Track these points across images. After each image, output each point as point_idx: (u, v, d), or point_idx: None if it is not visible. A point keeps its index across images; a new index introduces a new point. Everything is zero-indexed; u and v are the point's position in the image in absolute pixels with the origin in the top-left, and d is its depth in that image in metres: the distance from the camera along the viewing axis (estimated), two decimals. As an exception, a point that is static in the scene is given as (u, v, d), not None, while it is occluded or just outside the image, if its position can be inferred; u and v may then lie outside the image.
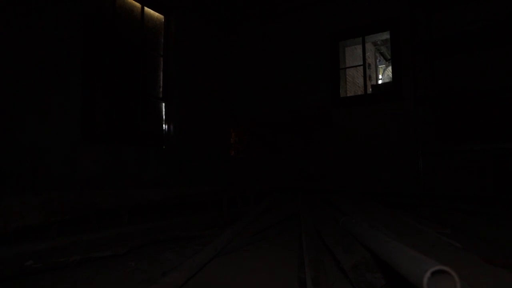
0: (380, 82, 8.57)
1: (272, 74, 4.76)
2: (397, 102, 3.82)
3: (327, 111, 4.29)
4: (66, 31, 2.83)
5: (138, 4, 3.71)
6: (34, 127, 2.59)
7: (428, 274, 0.56)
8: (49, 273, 1.30)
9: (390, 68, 7.87)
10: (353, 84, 6.28)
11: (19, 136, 2.49)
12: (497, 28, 3.00)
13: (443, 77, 3.60)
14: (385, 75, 8.85)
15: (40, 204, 1.67)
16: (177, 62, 4.06)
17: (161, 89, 4.00)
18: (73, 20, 2.90)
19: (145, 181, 3.47)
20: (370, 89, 5.82)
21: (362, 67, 4.40)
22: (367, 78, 4.56)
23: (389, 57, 8.14)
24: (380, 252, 0.90)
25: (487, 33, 3.07)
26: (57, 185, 2.71)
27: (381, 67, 8.87)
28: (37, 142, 2.60)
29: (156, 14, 3.96)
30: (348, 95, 4.75)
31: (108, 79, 3.35)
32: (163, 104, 3.99)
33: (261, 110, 4.81)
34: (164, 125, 3.98)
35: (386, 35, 4.28)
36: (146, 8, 3.80)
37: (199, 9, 4.46)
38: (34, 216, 1.62)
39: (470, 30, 3.12)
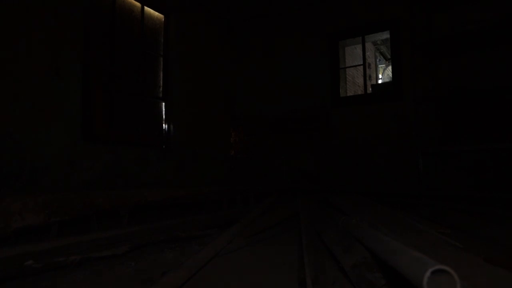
0: (380, 81, 8.56)
1: (272, 73, 4.76)
2: (397, 102, 3.82)
3: (327, 110, 4.29)
4: (65, 31, 2.83)
5: (138, 4, 3.71)
6: (34, 128, 2.58)
7: (428, 273, 0.56)
8: (49, 273, 1.30)
9: (390, 67, 7.87)
10: (353, 83, 6.28)
11: (19, 137, 2.49)
12: (497, 28, 3.00)
13: (443, 77, 3.60)
14: (385, 75, 8.85)
15: (40, 204, 1.66)
16: (177, 62, 4.05)
17: (161, 89, 3.99)
18: (73, 20, 2.90)
19: (145, 181, 3.47)
20: (370, 89, 5.82)
21: (362, 66, 4.40)
22: (367, 78, 4.56)
23: (389, 57, 8.14)
24: (380, 251, 0.90)
25: (487, 33, 3.07)
26: (58, 185, 2.70)
27: (381, 66, 8.87)
28: (37, 142, 2.59)
29: (156, 13, 3.96)
30: (348, 94, 4.75)
31: (108, 79, 3.34)
32: (163, 103, 3.99)
33: (261, 110, 4.80)
34: (164, 125, 3.98)
35: (386, 35, 4.27)
36: (146, 8, 3.80)
37: (199, 9, 4.45)
38: (35, 217, 1.62)
39: (470, 30, 3.12)
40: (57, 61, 2.76)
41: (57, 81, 2.75)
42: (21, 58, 2.53)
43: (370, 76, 7.28)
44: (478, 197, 3.01)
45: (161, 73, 4.01)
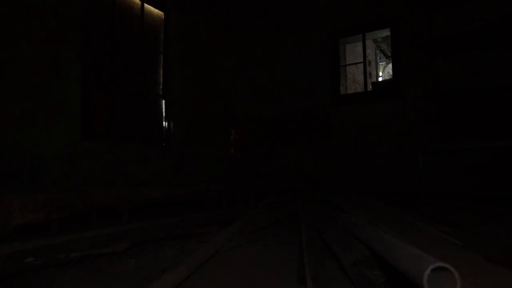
0: (380, 79, 8.55)
1: (272, 73, 4.75)
2: (397, 100, 3.82)
3: (327, 110, 4.28)
4: (65, 31, 2.82)
5: (138, 1, 3.70)
6: (34, 128, 2.58)
7: (428, 271, 0.56)
8: (49, 269, 1.30)
9: (390, 65, 7.85)
10: (353, 81, 6.26)
11: (19, 137, 2.49)
12: (497, 28, 2.99)
13: (443, 76, 3.59)
14: (385, 72, 8.83)
15: (41, 202, 1.67)
16: (177, 60, 4.05)
17: (161, 86, 3.99)
18: (73, 20, 2.89)
19: (145, 179, 3.47)
20: (370, 87, 5.82)
21: (362, 64, 4.39)
22: (367, 75, 4.55)
23: (389, 54, 8.12)
24: (380, 249, 0.90)
25: (487, 33, 3.07)
26: (58, 185, 2.70)
27: (381, 64, 8.85)
28: (37, 142, 2.59)
29: (156, 11, 3.95)
30: (348, 92, 4.74)
31: (108, 78, 3.34)
32: (163, 101, 3.99)
33: (261, 110, 4.80)
34: (164, 123, 3.98)
35: (386, 32, 4.27)
36: (146, 5, 3.79)
37: (199, 7, 4.44)
38: (35, 214, 1.62)
39: (470, 30, 3.12)
40: (57, 61, 2.75)
41: (57, 81, 2.74)
42: (21, 58, 2.52)
43: (370, 74, 7.27)
44: (478, 195, 3.01)
45: (161, 70, 4.01)
